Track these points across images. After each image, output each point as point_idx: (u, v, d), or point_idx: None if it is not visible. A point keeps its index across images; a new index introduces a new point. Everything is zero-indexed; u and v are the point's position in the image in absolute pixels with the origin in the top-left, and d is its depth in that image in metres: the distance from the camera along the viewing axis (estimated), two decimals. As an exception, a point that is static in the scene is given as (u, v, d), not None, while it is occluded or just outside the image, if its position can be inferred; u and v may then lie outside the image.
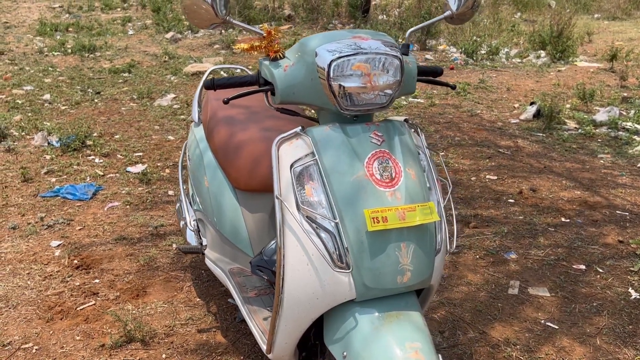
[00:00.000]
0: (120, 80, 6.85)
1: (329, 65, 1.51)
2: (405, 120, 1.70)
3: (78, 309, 2.61)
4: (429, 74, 1.85)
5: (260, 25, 1.64)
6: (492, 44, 8.53)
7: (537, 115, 5.52)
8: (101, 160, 4.39)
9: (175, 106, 5.85)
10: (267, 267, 1.93)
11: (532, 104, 5.74)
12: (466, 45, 8.10)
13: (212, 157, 2.29)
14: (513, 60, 8.26)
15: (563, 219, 3.52)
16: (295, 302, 1.58)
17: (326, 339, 1.60)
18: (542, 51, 8.52)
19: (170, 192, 3.89)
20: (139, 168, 4.28)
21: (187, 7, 1.60)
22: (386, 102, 1.58)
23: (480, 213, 3.59)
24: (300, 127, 1.62)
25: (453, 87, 1.88)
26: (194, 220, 2.49)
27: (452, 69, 7.59)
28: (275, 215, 2.07)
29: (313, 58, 1.56)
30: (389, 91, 1.56)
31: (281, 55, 1.65)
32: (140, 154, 4.56)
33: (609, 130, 5.23)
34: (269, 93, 1.69)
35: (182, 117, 5.50)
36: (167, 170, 4.25)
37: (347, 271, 1.49)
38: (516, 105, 6.02)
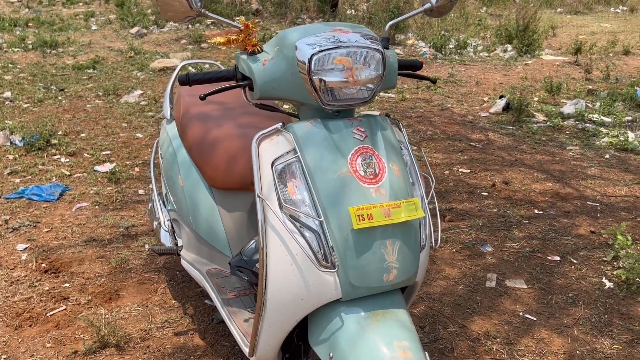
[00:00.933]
0: (85, 77, 6.68)
1: (310, 59, 1.47)
2: (387, 115, 1.67)
3: (48, 314, 2.52)
4: (409, 68, 1.83)
5: (237, 18, 1.59)
6: (460, 38, 8.59)
7: (507, 108, 5.57)
8: (67, 160, 4.26)
9: (142, 103, 5.72)
10: (247, 268, 1.88)
11: (501, 97, 5.79)
12: (434, 40, 8.14)
13: (186, 155, 2.23)
14: (481, 54, 8.33)
15: (536, 211, 3.55)
16: (278, 303, 1.54)
17: (311, 339, 1.57)
18: (508, 45, 8.61)
19: (141, 192, 3.79)
20: (107, 167, 4.17)
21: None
22: (368, 97, 1.55)
23: (454, 207, 3.60)
24: (280, 124, 1.58)
25: (433, 81, 1.86)
26: (167, 221, 2.42)
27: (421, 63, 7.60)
28: (255, 214, 2.03)
29: (293, 52, 1.51)
30: (370, 85, 1.53)
31: (259, 49, 1.60)
32: (108, 152, 4.44)
33: (577, 122, 5.31)
34: (247, 88, 1.64)
35: (149, 114, 5.38)
36: (137, 169, 4.14)
37: (333, 270, 1.46)
38: (485, 99, 6.07)
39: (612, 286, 2.79)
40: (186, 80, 1.66)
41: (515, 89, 6.25)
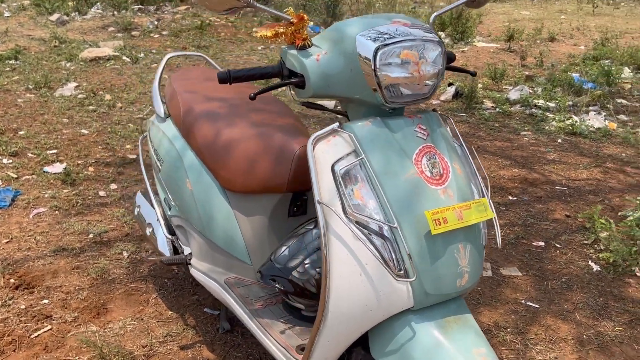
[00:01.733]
0: (8, 69, 6.15)
1: (375, 53, 1.37)
2: (434, 110, 1.61)
3: (32, 336, 2.27)
4: (448, 61, 1.77)
5: (286, 9, 1.46)
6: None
7: (456, 95, 5.66)
8: (10, 161, 3.90)
9: (80, 96, 5.34)
10: (283, 276, 1.76)
11: (450, 85, 5.88)
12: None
13: (194, 157, 2.06)
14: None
15: (510, 197, 3.62)
16: (343, 316, 1.44)
17: (374, 351, 1.48)
18: (442, 32, 8.78)
19: (102, 193, 3.53)
20: (57, 167, 3.84)
21: None
22: (428, 93, 1.47)
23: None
24: (337, 124, 1.47)
25: (473, 74, 1.80)
26: (167, 227, 2.24)
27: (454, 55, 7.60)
28: (277, 218, 1.91)
29: (353, 46, 1.41)
30: (429, 82, 1.45)
31: (309, 44, 1.48)
32: (55, 151, 4.10)
33: (523, 108, 5.48)
34: (291, 86, 1.52)
35: (91, 107, 5.04)
36: (91, 169, 3.85)
37: (409, 279, 1.38)
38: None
39: (599, 269, 2.88)
40: (227, 77, 1.51)
41: (460, 76, 6.36)
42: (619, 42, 7.96)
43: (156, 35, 7.94)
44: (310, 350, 1.54)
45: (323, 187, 1.43)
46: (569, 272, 2.85)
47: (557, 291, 2.71)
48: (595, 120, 5.15)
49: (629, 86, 6.30)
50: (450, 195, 1.44)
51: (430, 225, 1.36)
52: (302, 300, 1.78)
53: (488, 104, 5.60)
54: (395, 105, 1.44)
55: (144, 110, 4.97)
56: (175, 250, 2.24)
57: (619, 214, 3.38)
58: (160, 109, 2.31)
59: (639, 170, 4.11)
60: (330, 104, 3.94)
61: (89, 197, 3.46)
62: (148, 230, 2.36)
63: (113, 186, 3.62)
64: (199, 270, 2.08)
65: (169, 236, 2.20)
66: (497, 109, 5.42)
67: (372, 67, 1.38)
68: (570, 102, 5.60)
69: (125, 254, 2.86)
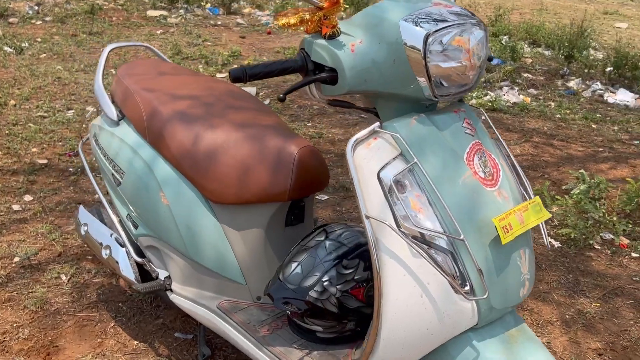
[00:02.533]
0: None
1: (425, 41, 1.19)
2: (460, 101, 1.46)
3: (-28, 393, 1.89)
4: None
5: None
6: (298, 4, 8.45)
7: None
8: None
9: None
10: (298, 298, 1.55)
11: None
12: (278, 8, 7.90)
13: (168, 167, 1.77)
14: (319, 21, 8.29)
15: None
16: (398, 343, 1.27)
17: (430, 374, 1.33)
18: (343, 15, 8.71)
19: (16, 207, 3.06)
20: (-47, 180, 3.30)
21: None
22: (472, 83, 1.31)
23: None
24: (377, 124, 1.28)
25: (490, 59, 1.67)
26: (134, 248, 1.93)
27: (269, 33, 7.35)
28: (273, 230, 1.70)
29: (396, 33, 1.21)
30: (474, 71, 1.30)
31: (338, 31, 1.27)
32: (-55, 161, 3.53)
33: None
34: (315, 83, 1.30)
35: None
36: (-6, 179, 3.34)
37: (481, 297, 1.22)
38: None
39: (560, 245, 2.92)
40: (242, 75, 1.26)
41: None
42: (511, 18, 8.31)
43: (38, 22, 7.16)
44: (354, 381, 1.36)
45: (370, 198, 1.24)
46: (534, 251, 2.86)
47: (529, 272, 2.70)
48: (510, 95, 5.31)
49: (530, 60, 6.58)
50: (506, 197, 1.30)
51: (500, 233, 1.22)
52: (320, 322, 1.58)
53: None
54: (444, 99, 1.27)
55: (43, 108, 4.42)
56: (146, 274, 1.94)
57: (563, 187, 3.47)
58: (112, 111, 1.98)
59: (565, 142, 4.27)
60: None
61: (2, 213, 2.99)
62: (104, 253, 2.03)
63: (27, 197, 3.16)
64: (183, 296, 1.80)
65: (139, 259, 1.90)
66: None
67: (422, 56, 1.19)
68: (483, 79, 5.73)
69: (63, 277, 2.48)
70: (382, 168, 1.24)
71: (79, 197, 3.19)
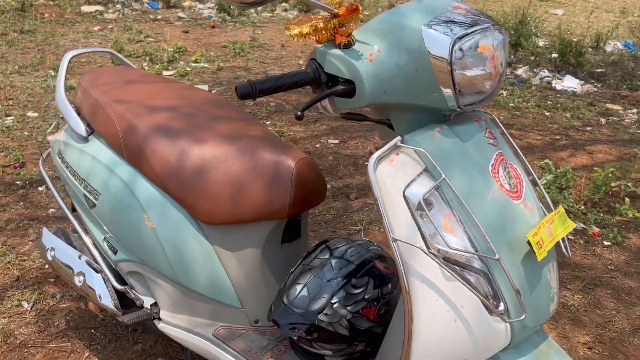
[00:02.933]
0: None
1: (451, 48, 1.11)
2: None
3: None
4: None
5: (327, -3, 1.12)
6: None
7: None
8: None
9: None
10: (306, 323, 1.45)
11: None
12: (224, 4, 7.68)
13: (151, 187, 1.62)
14: (263, 14, 8.12)
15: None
16: (429, 368, 1.19)
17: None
18: (285, 4, 8.57)
19: (-39, 228, 2.81)
20: None
21: None
22: (494, 91, 1.24)
23: (350, 182, 3.43)
24: (399, 137, 1.18)
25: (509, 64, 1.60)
26: (110, 275, 1.77)
27: (213, 27, 7.13)
28: (268, 250, 1.60)
29: (419, 40, 1.12)
30: (495, 79, 1.22)
31: (353, 40, 1.16)
32: None
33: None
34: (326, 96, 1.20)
35: None
36: None
37: (519, 318, 1.16)
38: (301, 62, 5.93)
39: (535, 237, 2.93)
40: (250, 91, 1.15)
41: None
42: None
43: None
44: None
45: (396, 220, 1.15)
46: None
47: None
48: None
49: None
50: (531, 209, 1.24)
51: (535, 250, 1.16)
52: (329, 345, 1.49)
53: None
54: (467, 108, 1.20)
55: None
56: (125, 300, 1.79)
57: (530, 178, 3.49)
58: (80, 125, 1.80)
59: (523, 131, 4.32)
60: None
61: (-55, 236, 2.73)
62: (77, 280, 1.86)
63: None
64: (174, 325, 1.67)
65: (120, 287, 1.74)
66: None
67: (449, 65, 1.11)
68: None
69: (26, 305, 2.28)
70: (407, 186, 1.16)
71: (30, 213, 2.96)
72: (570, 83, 5.56)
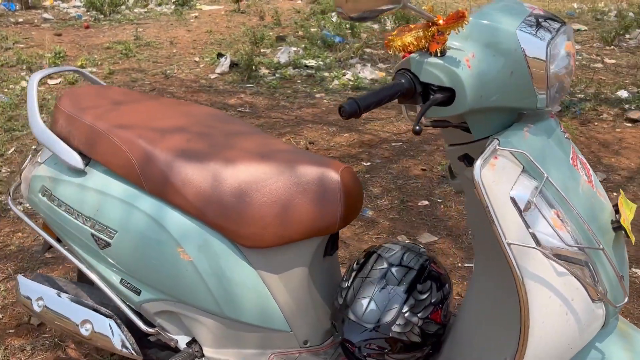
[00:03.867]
0: None
1: (548, 49, 1.13)
2: None
3: None
4: None
5: (425, 6, 1.07)
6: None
7: (232, 66, 5.36)
8: None
9: None
10: (381, 337, 1.41)
11: (219, 55, 5.53)
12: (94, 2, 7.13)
13: (183, 218, 1.47)
14: (135, 10, 7.68)
15: (364, 163, 3.61)
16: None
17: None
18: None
19: None
20: None
21: None
22: (568, 86, 1.28)
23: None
24: (497, 141, 1.18)
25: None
26: (136, 318, 1.58)
27: (87, 27, 6.61)
28: (316, 265, 1.55)
29: (515, 43, 1.13)
30: (573, 76, 1.28)
31: (447, 47, 1.13)
32: None
33: (297, 70, 5.49)
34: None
35: None
36: None
37: (623, 303, 1.22)
38: (197, 59, 5.70)
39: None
40: (356, 109, 1.08)
41: (223, 44, 6.04)
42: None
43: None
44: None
45: (506, 224, 1.15)
46: (462, 226, 3.00)
47: (475, 245, 2.82)
48: (366, 71, 5.45)
49: (365, 35, 6.83)
50: (604, 195, 1.31)
51: (629, 235, 1.22)
52: (402, 355, 1.47)
53: (263, 70, 5.44)
54: (552, 106, 1.22)
55: None
56: (142, 344, 1.62)
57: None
58: (74, 157, 1.58)
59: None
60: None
61: None
62: (83, 329, 1.64)
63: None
64: (223, 360, 1.54)
65: (151, 329, 1.56)
66: (277, 75, 5.32)
67: (546, 66, 1.13)
68: (329, 58, 5.80)
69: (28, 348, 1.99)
70: (512, 188, 1.16)
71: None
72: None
